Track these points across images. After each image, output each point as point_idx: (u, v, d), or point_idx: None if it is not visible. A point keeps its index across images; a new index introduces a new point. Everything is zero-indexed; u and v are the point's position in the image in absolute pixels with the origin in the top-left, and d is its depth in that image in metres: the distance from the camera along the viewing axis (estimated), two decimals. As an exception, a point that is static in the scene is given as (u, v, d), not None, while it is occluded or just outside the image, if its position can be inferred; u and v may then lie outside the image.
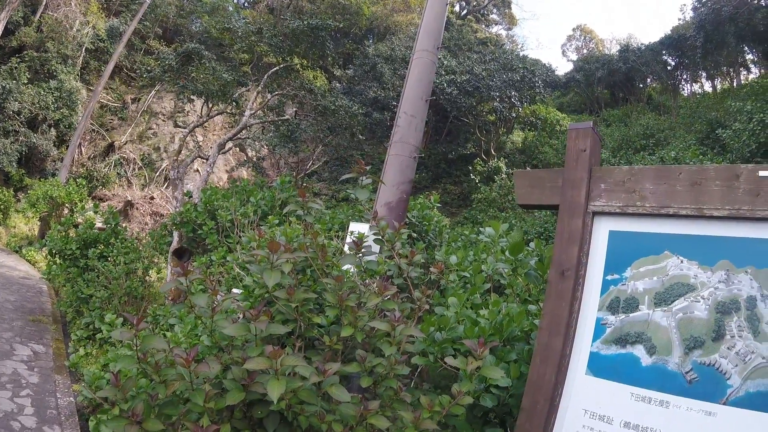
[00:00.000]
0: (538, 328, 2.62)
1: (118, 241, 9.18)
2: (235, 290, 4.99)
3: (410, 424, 2.17)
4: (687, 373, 2.27)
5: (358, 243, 2.97)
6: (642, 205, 2.56)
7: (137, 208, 21.69)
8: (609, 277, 2.59)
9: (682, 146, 18.82)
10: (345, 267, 3.79)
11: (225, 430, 2.18)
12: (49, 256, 9.89)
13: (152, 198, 22.44)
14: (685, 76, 33.67)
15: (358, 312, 2.65)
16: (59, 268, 9.30)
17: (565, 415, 2.47)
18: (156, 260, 9.91)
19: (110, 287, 8.16)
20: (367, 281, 3.49)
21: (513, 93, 22.65)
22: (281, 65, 15.24)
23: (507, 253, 3.76)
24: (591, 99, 34.58)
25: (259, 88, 14.69)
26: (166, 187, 22.65)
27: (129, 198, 21.96)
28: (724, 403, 2.15)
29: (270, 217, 6.55)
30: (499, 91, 22.21)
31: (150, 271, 9.48)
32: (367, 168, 3.27)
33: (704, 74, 33.36)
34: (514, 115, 24.97)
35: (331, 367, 2.18)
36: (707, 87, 33.88)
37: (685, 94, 33.58)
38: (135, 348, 2.25)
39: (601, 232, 2.68)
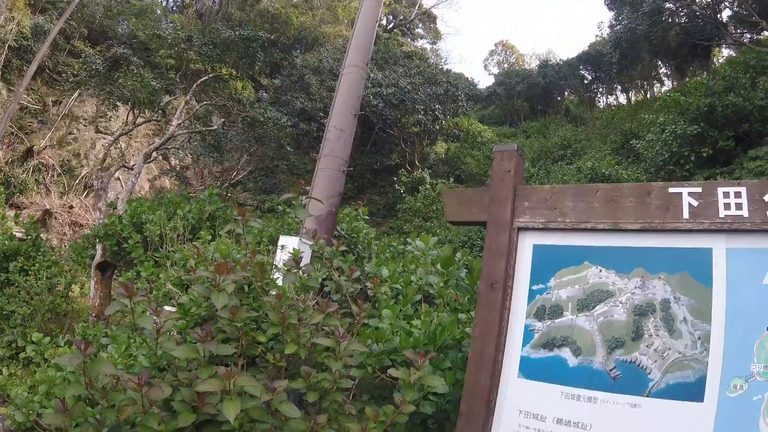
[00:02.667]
0: (472, 337, 2.79)
1: (39, 254, 8.68)
2: (167, 308, 4.89)
3: (358, 434, 2.26)
4: (611, 370, 2.51)
5: (297, 260, 3.03)
6: (563, 220, 2.80)
7: (56, 218, 20.38)
8: (534, 287, 2.81)
9: (598, 156, 19.99)
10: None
11: None
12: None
13: (71, 207, 21.18)
14: (601, 90, 35.85)
15: (300, 329, 2.71)
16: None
17: (501, 416, 2.65)
18: (78, 275, 9.43)
19: (32, 303, 7.71)
20: (302, 297, 3.56)
21: (437, 106, 23.32)
22: (210, 74, 14.97)
23: (438, 266, 3.94)
24: (511, 111, 36.05)
25: (188, 97, 14.34)
26: (85, 196, 21.48)
27: (47, 206, 20.59)
28: (647, 396, 2.40)
29: (202, 232, 6.42)
30: (423, 104, 22.80)
31: (72, 286, 9.02)
32: (302, 183, 3.34)
33: (619, 87, 35.59)
34: (437, 127, 25.63)
35: (280, 384, 2.23)
36: (622, 99, 36.16)
37: (601, 107, 35.66)
38: (83, 373, 2.20)
39: (526, 246, 2.89)
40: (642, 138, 18.42)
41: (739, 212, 2.44)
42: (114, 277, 9.79)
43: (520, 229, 2.88)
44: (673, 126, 16.19)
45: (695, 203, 2.54)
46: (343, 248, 3.38)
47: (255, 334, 2.83)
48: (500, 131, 32.53)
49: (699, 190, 2.55)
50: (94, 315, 9.02)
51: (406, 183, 24.47)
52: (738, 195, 2.46)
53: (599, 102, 36.47)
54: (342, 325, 2.62)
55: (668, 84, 32.00)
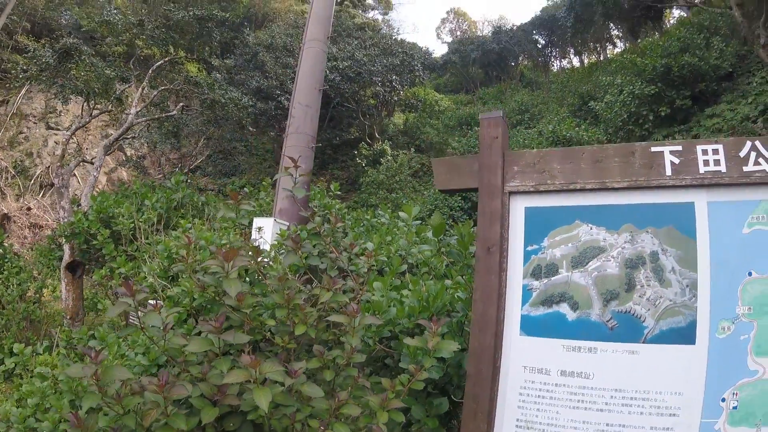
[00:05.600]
0: (473, 300, 2.89)
1: (6, 261, 8.38)
2: (151, 302, 4.81)
3: (378, 406, 2.33)
4: (608, 321, 2.68)
5: (296, 240, 3.05)
6: (552, 182, 2.90)
7: (14, 221, 19.59)
8: (529, 248, 2.92)
9: (557, 119, 20.29)
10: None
11: None
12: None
13: (29, 209, 20.37)
14: (554, 54, 36.22)
15: (306, 309, 2.75)
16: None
17: (507, 374, 2.77)
18: (48, 278, 9.16)
19: (5, 313, 7.47)
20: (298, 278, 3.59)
21: (394, 77, 23.18)
22: (165, 58, 14.48)
23: (430, 233, 4.03)
24: (467, 79, 36.13)
25: (144, 83, 13.87)
26: (42, 196, 20.68)
27: (5, 211, 19.75)
28: (643, 342, 2.60)
29: (182, 221, 6.33)
30: (380, 76, 22.63)
31: (43, 290, 8.77)
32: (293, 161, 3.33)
33: (572, 51, 36.00)
34: (395, 98, 25.54)
35: (300, 366, 2.27)
36: (576, 63, 36.57)
37: (555, 71, 36.04)
38: (95, 382, 2.14)
39: (518, 209, 2.99)
40: (600, 99, 18.78)
41: (717, 168, 2.62)
42: (85, 276, 9.56)
43: (511, 193, 2.97)
44: (631, 87, 16.55)
45: (677, 161, 2.70)
46: (341, 225, 3.41)
47: (262, 319, 2.85)
48: (457, 99, 32.62)
49: (679, 148, 2.72)
50: (68, 317, 8.81)
51: (368, 156, 24.40)
52: (716, 152, 2.64)
53: (553, 66, 36.91)
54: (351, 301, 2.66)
55: (621, 46, 32.51)
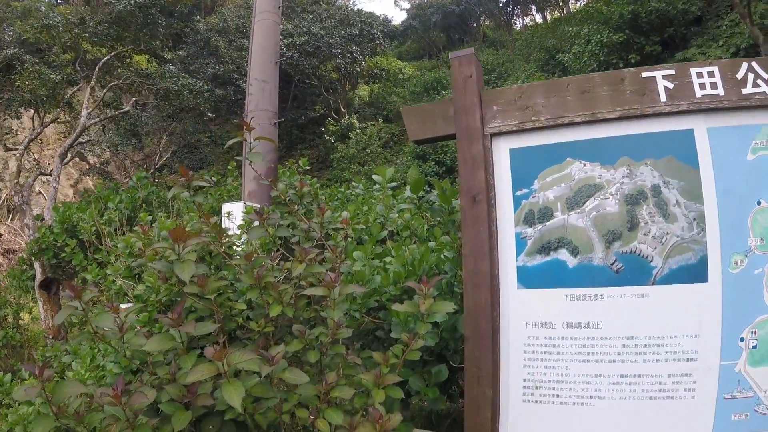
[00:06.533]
0: (463, 257, 2.63)
1: (-19, 291, 7.94)
2: (123, 306, 4.47)
3: (373, 384, 2.06)
4: (612, 264, 2.44)
5: (261, 213, 2.73)
6: (537, 119, 2.63)
7: (-14, 250, 18.79)
8: (519, 193, 2.66)
9: (525, 75, 20.04)
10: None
11: None
12: None
13: (0, 235, 19.59)
14: (517, 12, 35.71)
15: (279, 287, 2.45)
16: None
17: (508, 332, 2.53)
18: (23, 301, 8.73)
19: (-17, 344, 7.06)
20: (269, 255, 3.29)
21: (354, 47, 22.58)
22: (111, 53, 13.77)
23: (408, 191, 3.75)
24: (429, 44, 35.58)
25: (93, 83, 13.18)
26: (11, 220, 19.83)
27: (-26, 241, 18.93)
28: (653, 283, 2.38)
29: (141, 214, 5.94)
30: (340, 48, 22.03)
31: (21, 314, 8.34)
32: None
33: (535, 7, 35.56)
34: (357, 69, 24.96)
35: (278, 351, 1.98)
36: (539, 19, 36.16)
37: (518, 29, 35.67)
38: (47, 401, 1.88)
39: (502, 151, 2.72)
40: (567, 51, 18.53)
41: (714, 91, 2.42)
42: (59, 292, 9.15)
43: (492, 135, 2.70)
44: (599, 36, 16.28)
45: (671, 85, 2.49)
46: (308, 189, 3.10)
47: (231, 304, 2.55)
48: (420, 65, 32.08)
49: (672, 72, 2.51)
50: (51, 337, 8.42)
51: (336, 131, 23.90)
52: (711, 74, 2.45)
53: (516, 24, 36.46)
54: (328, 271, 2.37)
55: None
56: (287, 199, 2.85)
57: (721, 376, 2.29)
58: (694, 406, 2.30)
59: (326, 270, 2.46)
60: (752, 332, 2.29)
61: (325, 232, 3.15)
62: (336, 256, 2.84)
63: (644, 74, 2.53)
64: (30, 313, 9.65)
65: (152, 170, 19.72)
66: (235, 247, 3.54)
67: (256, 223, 2.67)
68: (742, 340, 2.30)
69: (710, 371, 2.31)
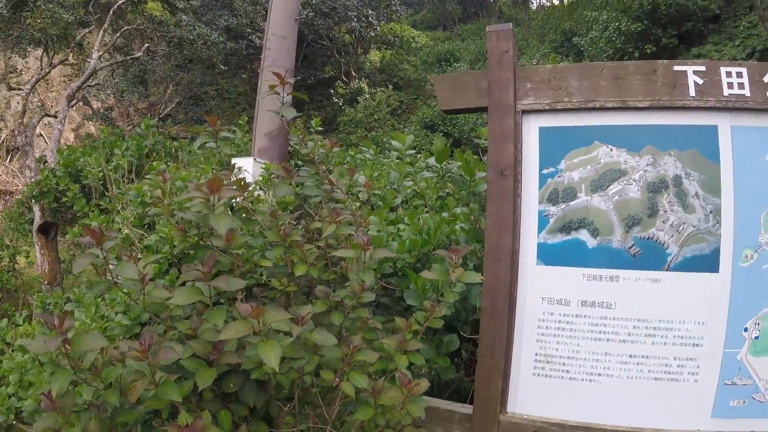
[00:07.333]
0: (486, 229, 2.68)
1: (-24, 233, 7.90)
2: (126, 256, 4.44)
3: (395, 349, 2.12)
4: (630, 248, 2.52)
5: (288, 168, 2.76)
6: (569, 100, 2.65)
7: (-18, 191, 18.67)
8: (545, 171, 2.70)
9: (539, 54, 19.86)
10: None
11: (206, 417, 1.91)
12: None
13: None
14: (535, -11, 35.07)
15: (304, 246, 2.50)
16: None
17: (524, 306, 2.61)
18: (20, 244, 8.68)
19: (-21, 285, 7.06)
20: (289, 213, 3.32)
21: (370, 11, 22.25)
22: (125, -1, 13.52)
23: (433, 160, 3.78)
24: (444, 15, 35.04)
25: (105, 26, 12.95)
26: (9, 161, 19.66)
27: (-28, 180, 18.79)
28: (667, 270, 2.47)
29: (154, 162, 5.93)
30: (356, 11, 21.71)
31: (17, 258, 8.31)
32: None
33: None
34: (371, 34, 24.62)
35: (307, 312, 2.01)
36: (555, 0, 35.55)
37: (534, 8, 35.08)
38: (65, 355, 1.79)
39: (532, 129, 2.75)
40: (584, 35, 18.37)
41: (741, 91, 2.48)
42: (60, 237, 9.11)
43: (524, 112, 2.72)
44: (617, 23, 16.21)
45: (700, 81, 2.53)
46: (336, 149, 3.12)
47: (257, 260, 2.59)
48: (434, 36, 31.63)
49: (703, 68, 2.55)
50: (46, 282, 8.42)
51: (344, 95, 23.68)
52: (740, 75, 2.50)
53: (532, 3, 35.88)
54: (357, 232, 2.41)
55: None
56: (316, 158, 2.87)
57: (724, 363, 2.41)
58: (696, 390, 2.42)
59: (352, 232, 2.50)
60: (756, 323, 2.40)
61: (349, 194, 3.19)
62: (359, 218, 2.87)
63: (676, 68, 2.56)
64: (27, 257, 9.62)
65: (156, 119, 19.56)
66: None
67: (279, 180, 2.68)
68: (746, 330, 2.41)
69: (714, 358, 2.42)
